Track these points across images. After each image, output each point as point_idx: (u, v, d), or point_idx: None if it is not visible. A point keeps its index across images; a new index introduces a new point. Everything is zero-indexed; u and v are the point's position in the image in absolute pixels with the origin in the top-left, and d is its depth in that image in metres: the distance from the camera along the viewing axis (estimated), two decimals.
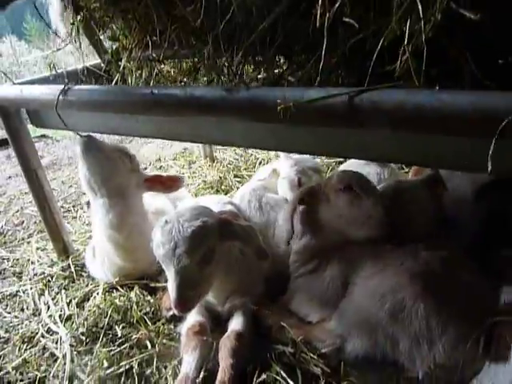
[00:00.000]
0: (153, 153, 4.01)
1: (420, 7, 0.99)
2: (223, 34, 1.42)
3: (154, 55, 1.66)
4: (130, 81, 1.78)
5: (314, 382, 1.37)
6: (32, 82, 1.95)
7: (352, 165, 2.44)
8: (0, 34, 10.64)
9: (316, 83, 1.22)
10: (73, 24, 1.81)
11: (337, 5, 1.13)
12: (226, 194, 2.87)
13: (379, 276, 1.47)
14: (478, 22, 0.94)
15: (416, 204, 1.66)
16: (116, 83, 1.76)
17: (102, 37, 2.08)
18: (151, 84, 1.68)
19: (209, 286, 1.51)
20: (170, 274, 1.41)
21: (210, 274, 1.48)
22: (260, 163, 3.28)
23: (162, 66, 1.91)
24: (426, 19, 1.02)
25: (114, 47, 1.88)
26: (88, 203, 2.07)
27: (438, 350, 1.30)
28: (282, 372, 1.40)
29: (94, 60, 2.23)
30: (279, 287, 1.80)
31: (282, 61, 1.60)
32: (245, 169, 3.24)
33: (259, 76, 1.68)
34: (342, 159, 2.88)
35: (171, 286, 1.40)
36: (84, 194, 3.10)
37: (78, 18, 1.81)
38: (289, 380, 1.37)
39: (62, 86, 1.56)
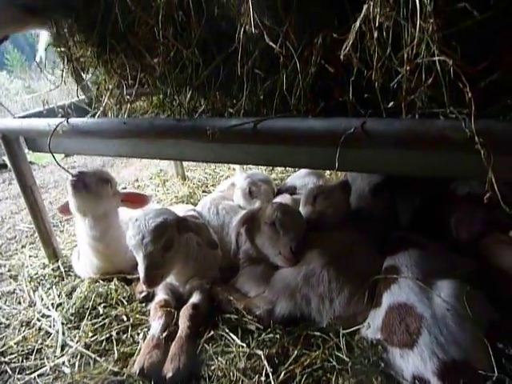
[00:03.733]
0: (131, 174, 4.49)
1: (298, 66, 1.52)
2: (178, 78, 1.94)
3: (129, 96, 2.15)
4: (110, 114, 2.27)
5: (250, 335, 1.82)
6: (28, 116, 2.41)
7: (295, 176, 2.97)
8: None
9: (240, 115, 1.73)
10: (63, 71, 2.31)
11: (250, 61, 1.66)
12: (194, 206, 3.34)
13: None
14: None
15: (331, 200, 2.18)
16: (98, 117, 2.25)
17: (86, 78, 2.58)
18: (125, 116, 2.17)
19: (170, 268, 1.97)
20: (140, 258, 1.87)
21: (170, 258, 1.93)
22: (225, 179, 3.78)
23: (137, 101, 2.41)
24: (305, 73, 1.55)
25: (97, 87, 2.38)
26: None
27: (336, 305, 1.79)
28: (226, 329, 1.86)
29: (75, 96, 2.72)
30: (231, 275, 2.27)
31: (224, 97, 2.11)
32: (212, 185, 3.73)
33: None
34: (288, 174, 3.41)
35: (140, 267, 1.85)
36: None
37: (68, 65, 2.32)
38: (231, 334, 1.83)
39: (55, 120, 2.04)
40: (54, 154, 2.12)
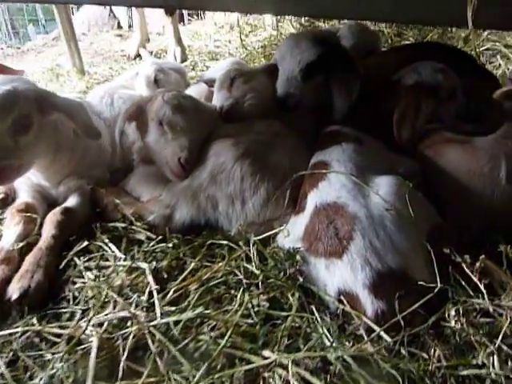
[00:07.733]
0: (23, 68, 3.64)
1: None
2: None
3: None
4: None
5: (137, 246, 1.40)
6: None
7: (216, 68, 2.47)
8: None
9: None
10: None
11: None
12: None
13: (207, 145, 1.54)
14: None
15: (252, 84, 1.73)
16: None
17: None
18: None
19: (29, 159, 1.44)
20: None
21: (27, 145, 1.40)
22: None
23: None
24: None
25: None
26: None
27: (249, 208, 1.41)
28: (106, 239, 1.41)
29: None
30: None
31: None
32: None
33: None
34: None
35: None
36: None
37: None
38: (110, 245, 1.39)
39: None
40: None
